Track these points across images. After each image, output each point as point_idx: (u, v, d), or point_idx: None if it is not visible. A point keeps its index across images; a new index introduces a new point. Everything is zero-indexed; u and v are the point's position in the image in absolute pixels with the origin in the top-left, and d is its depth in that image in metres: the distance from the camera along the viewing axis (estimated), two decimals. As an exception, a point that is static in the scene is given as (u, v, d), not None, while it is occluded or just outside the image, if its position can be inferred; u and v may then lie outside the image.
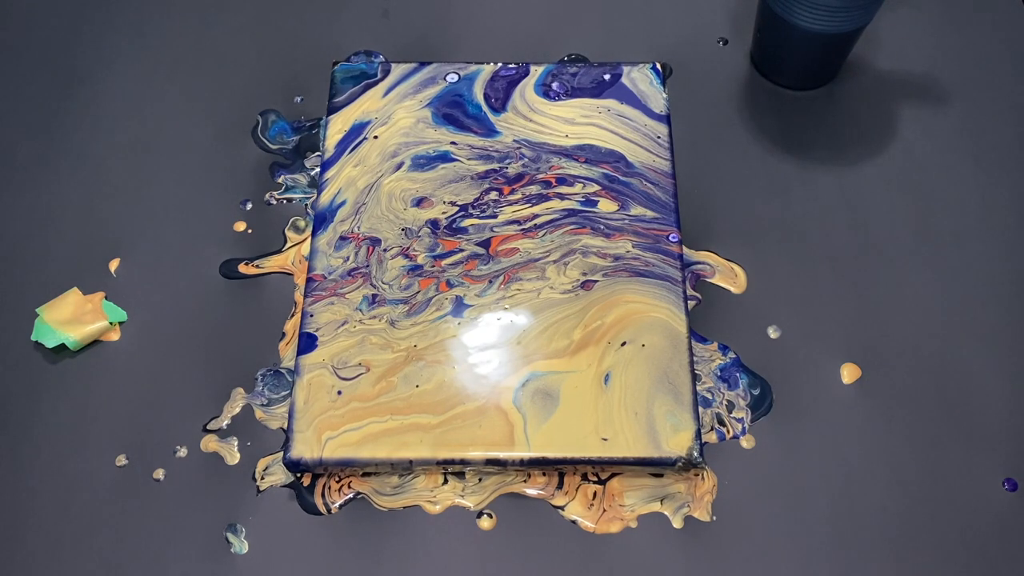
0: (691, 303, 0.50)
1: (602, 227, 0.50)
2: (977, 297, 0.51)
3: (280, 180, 0.55)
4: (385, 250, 0.50)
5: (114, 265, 0.52)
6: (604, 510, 0.45)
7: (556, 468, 0.45)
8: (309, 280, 0.49)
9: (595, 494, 0.45)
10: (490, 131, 0.54)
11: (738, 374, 0.48)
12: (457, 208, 0.51)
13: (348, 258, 0.49)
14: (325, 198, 0.51)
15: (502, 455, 0.44)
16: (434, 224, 0.50)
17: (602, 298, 0.48)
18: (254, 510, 0.45)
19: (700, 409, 0.46)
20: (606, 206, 0.51)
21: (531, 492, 0.45)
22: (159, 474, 0.46)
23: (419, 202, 0.51)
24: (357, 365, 0.46)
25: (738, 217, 0.54)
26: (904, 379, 0.48)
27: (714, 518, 0.45)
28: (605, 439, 0.44)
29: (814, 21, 0.52)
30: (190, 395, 0.48)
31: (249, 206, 0.54)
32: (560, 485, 0.45)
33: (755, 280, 0.51)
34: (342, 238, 0.50)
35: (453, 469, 0.45)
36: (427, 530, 0.44)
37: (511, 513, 0.45)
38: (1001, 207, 0.54)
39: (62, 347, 0.49)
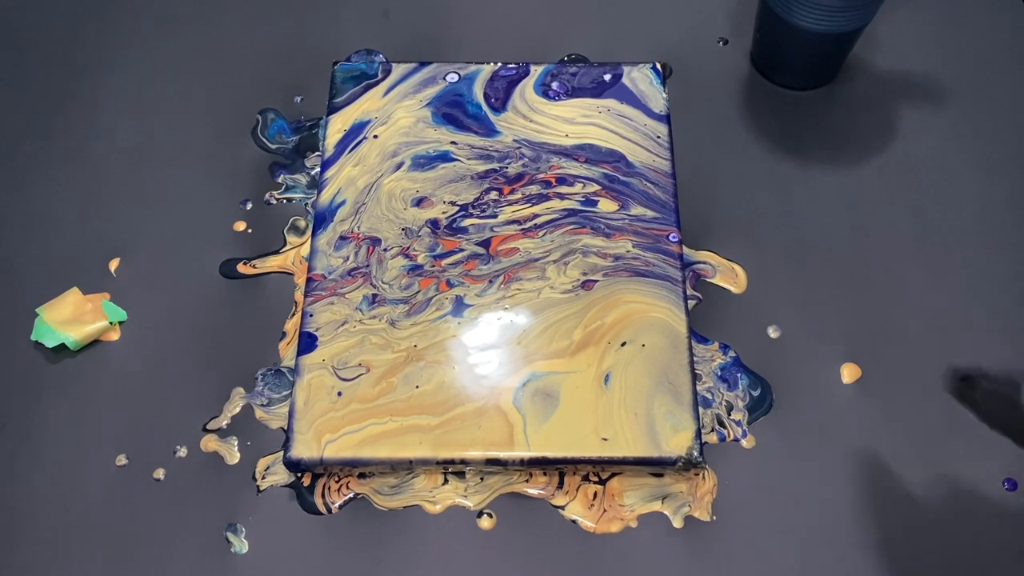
0: (691, 303, 0.50)
1: (602, 227, 0.50)
2: (977, 297, 0.51)
3: (280, 180, 0.55)
4: (385, 250, 0.50)
5: (114, 265, 0.52)
6: (604, 510, 0.45)
7: (556, 468, 0.45)
8: (309, 280, 0.49)
9: (595, 494, 0.45)
10: (490, 131, 0.54)
11: (738, 374, 0.48)
12: (457, 208, 0.51)
13: (348, 258, 0.49)
14: (325, 198, 0.51)
15: (502, 455, 0.44)
16: (434, 224, 0.50)
17: (602, 298, 0.48)
18: (254, 510, 0.45)
19: (700, 409, 0.46)
20: (606, 206, 0.51)
21: (531, 492, 0.45)
22: (159, 474, 0.46)
23: (419, 202, 0.51)
24: (357, 365, 0.46)
25: (738, 217, 0.54)
26: (904, 379, 0.48)
27: (714, 518, 0.45)
28: (605, 439, 0.44)
29: (814, 21, 0.52)
30: (190, 395, 0.48)
31: (249, 206, 0.54)
32: (560, 485, 0.45)
33: (755, 280, 0.51)
34: (342, 238, 0.50)
35: (454, 469, 0.45)
36: (427, 530, 0.44)
37: (511, 513, 0.45)
38: (1001, 207, 0.54)
39: (62, 347, 0.49)
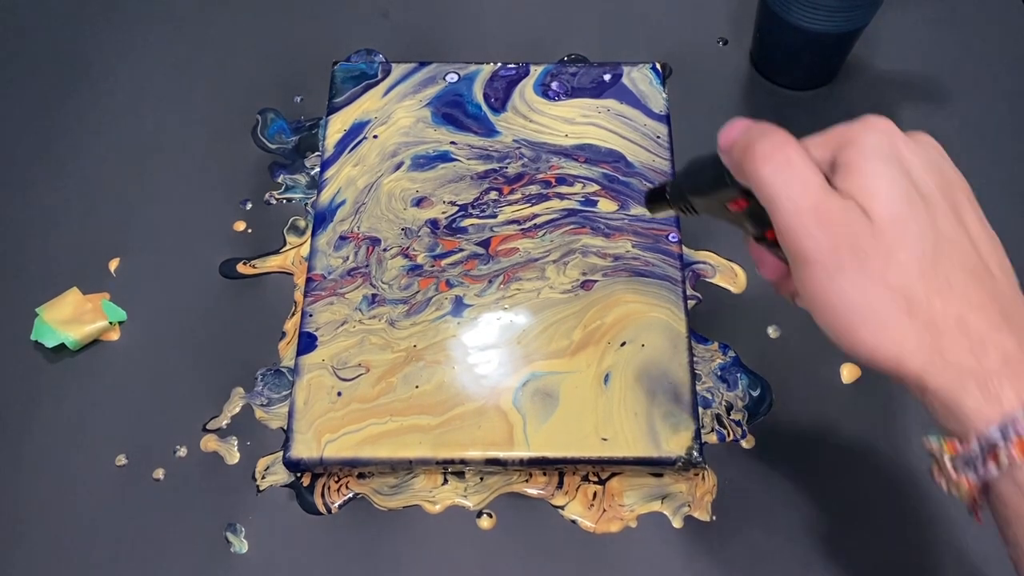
0: (691, 303, 0.50)
1: (602, 227, 0.50)
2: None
3: (280, 180, 0.55)
4: (385, 250, 0.50)
5: (114, 265, 0.52)
6: (604, 510, 0.45)
7: (556, 468, 0.45)
8: (309, 280, 0.49)
9: (595, 494, 0.45)
10: (490, 131, 0.54)
11: (738, 374, 0.48)
12: (457, 208, 0.51)
13: (348, 258, 0.49)
14: (325, 198, 0.51)
15: (502, 455, 0.44)
16: (434, 224, 0.50)
17: (602, 298, 0.48)
18: (254, 510, 0.45)
19: (700, 409, 0.46)
20: (606, 206, 0.51)
21: (531, 492, 0.45)
22: (159, 474, 0.46)
23: (419, 202, 0.51)
24: (357, 365, 0.46)
25: (738, 217, 0.53)
26: (904, 379, 0.48)
27: (714, 518, 0.45)
28: (605, 439, 0.44)
29: (814, 21, 0.52)
30: (190, 395, 0.48)
31: (249, 206, 0.54)
32: (560, 485, 0.45)
33: (755, 280, 0.51)
34: (342, 238, 0.50)
35: (453, 469, 0.45)
36: (427, 530, 0.44)
37: (511, 513, 0.45)
38: (1000, 207, 0.54)
39: (62, 347, 0.49)
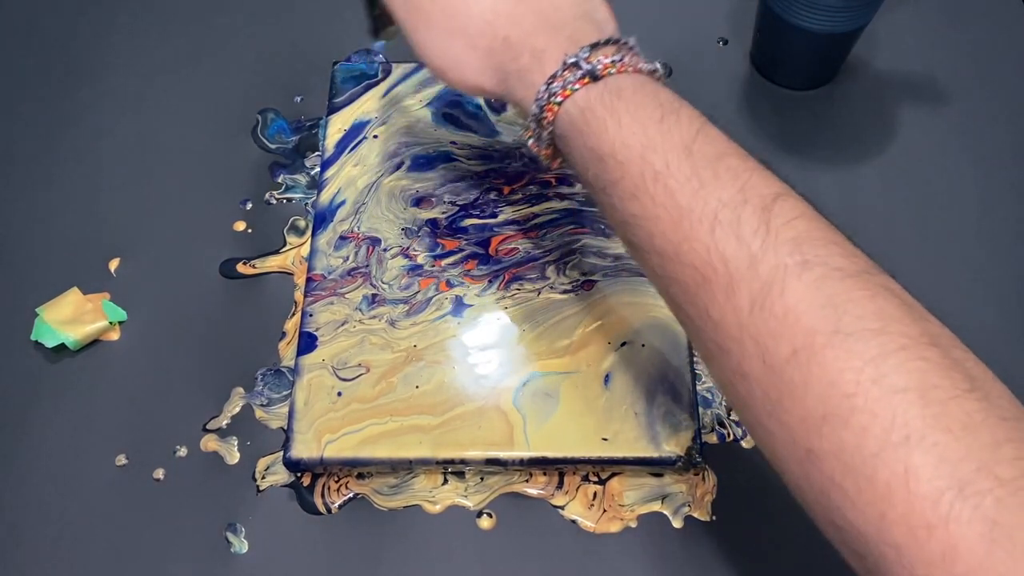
0: (691, 303, 0.50)
1: (602, 227, 0.50)
2: (977, 297, 0.51)
3: (280, 180, 0.55)
4: (385, 250, 0.50)
5: (114, 265, 0.52)
6: (604, 510, 0.45)
7: (556, 468, 0.45)
8: (309, 280, 0.49)
9: (595, 494, 0.45)
10: (490, 131, 0.54)
11: (738, 374, 0.48)
12: (457, 208, 0.51)
13: (348, 258, 0.49)
14: (325, 198, 0.51)
15: (502, 455, 0.44)
16: (434, 224, 0.50)
17: (602, 298, 0.48)
18: (254, 510, 0.45)
19: (700, 409, 0.46)
20: (606, 206, 0.51)
21: (531, 492, 0.45)
22: (159, 474, 0.46)
23: (419, 202, 0.51)
24: (357, 365, 0.46)
25: (738, 217, 0.53)
26: (904, 379, 0.48)
27: (714, 518, 0.45)
28: (605, 439, 0.44)
29: (814, 21, 0.52)
30: (190, 395, 0.48)
31: (249, 206, 0.54)
32: (560, 485, 0.45)
33: (755, 280, 0.51)
34: (342, 238, 0.50)
35: (453, 469, 0.45)
36: (427, 530, 0.44)
37: (511, 513, 0.45)
38: (1001, 207, 0.54)
39: (62, 347, 0.49)
